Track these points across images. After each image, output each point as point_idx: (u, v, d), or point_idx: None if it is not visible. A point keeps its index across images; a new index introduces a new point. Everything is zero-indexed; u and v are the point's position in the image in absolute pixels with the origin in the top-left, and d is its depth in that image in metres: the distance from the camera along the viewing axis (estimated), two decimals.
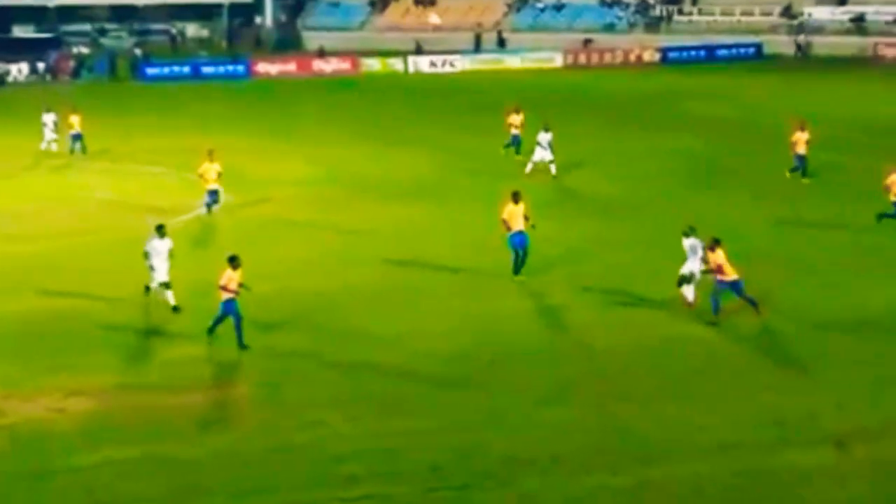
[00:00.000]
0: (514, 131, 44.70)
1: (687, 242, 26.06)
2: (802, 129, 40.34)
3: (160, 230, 26.96)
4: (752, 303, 25.23)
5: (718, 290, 25.13)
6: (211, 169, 35.84)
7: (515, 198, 28.94)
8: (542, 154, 41.31)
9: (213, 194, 35.86)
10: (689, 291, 26.03)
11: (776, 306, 26.27)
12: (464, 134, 50.77)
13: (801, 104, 58.00)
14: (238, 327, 23.98)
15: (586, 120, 54.02)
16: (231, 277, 24.09)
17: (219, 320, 24.20)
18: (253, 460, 19.38)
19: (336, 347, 24.34)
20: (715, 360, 23.50)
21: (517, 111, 45.22)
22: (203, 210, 35.93)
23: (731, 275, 25.01)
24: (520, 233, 28.69)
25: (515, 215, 28.76)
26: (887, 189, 33.08)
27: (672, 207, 36.22)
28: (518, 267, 28.77)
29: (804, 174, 40.03)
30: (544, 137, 41.38)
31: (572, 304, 26.98)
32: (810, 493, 18.10)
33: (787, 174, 40.17)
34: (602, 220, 34.90)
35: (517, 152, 44.12)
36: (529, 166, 41.50)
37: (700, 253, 25.78)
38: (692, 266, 25.93)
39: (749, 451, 19.37)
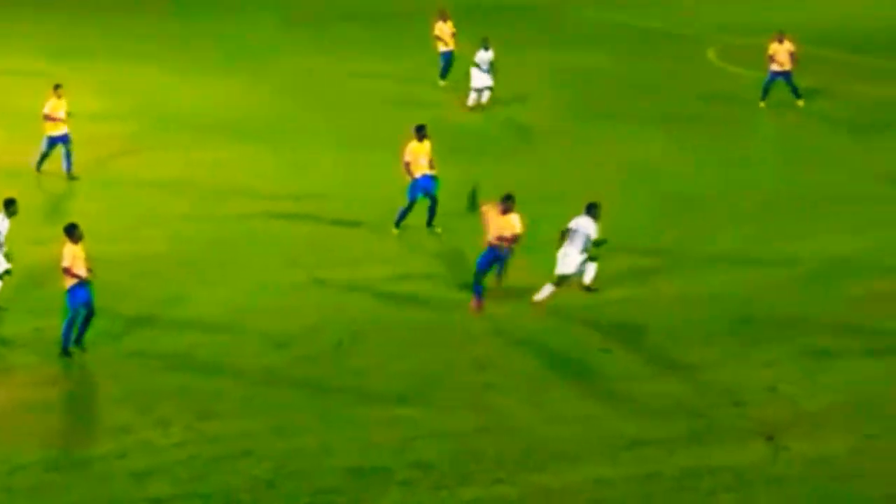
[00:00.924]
0: (442, 48, 43.11)
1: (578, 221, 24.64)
2: (781, 41, 40.46)
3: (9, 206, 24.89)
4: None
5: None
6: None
7: (420, 133, 28.54)
8: (481, 79, 40.38)
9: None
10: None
11: (691, 264, 26.39)
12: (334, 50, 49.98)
13: (735, 11, 58.52)
14: (83, 325, 22.58)
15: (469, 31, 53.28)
16: (75, 255, 22.40)
17: (70, 324, 22.61)
18: (40, 484, 18.59)
19: (139, 331, 23.68)
20: (618, 339, 23.35)
21: (444, 17, 43.21)
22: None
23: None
24: (425, 177, 28.37)
25: (419, 155, 28.37)
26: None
27: (576, 142, 36.25)
28: (430, 217, 28.73)
29: (763, 98, 40.65)
30: (484, 57, 40.36)
31: (445, 272, 26.59)
32: (737, 497, 17.95)
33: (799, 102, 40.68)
34: (492, 161, 34.52)
35: (442, 76, 42.99)
36: (473, 96, 40.45)
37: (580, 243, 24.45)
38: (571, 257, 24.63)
39: (661, 450, 19.21)
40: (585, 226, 24.34)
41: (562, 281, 24.49)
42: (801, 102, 40.36)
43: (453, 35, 43.02)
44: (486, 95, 40.34)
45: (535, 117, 39.72)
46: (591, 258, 24.57)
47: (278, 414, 20.50)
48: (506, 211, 24.22)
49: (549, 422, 20.20)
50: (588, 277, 24.80)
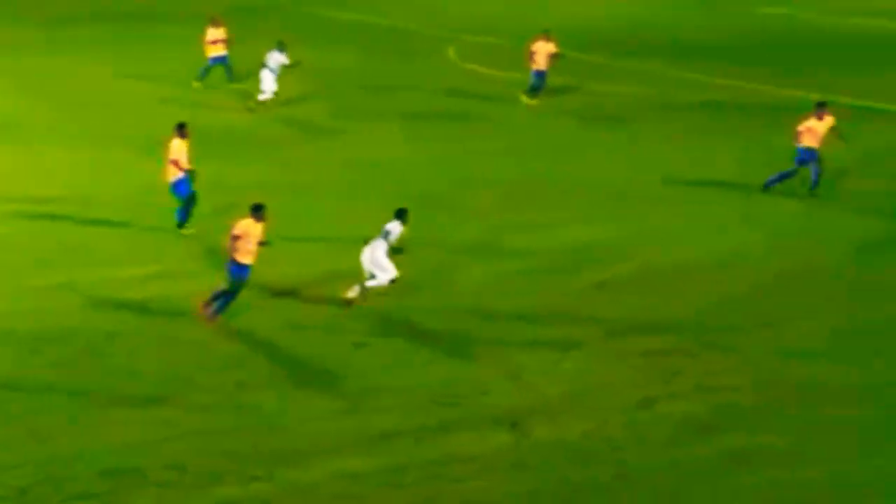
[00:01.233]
0: (213, 54, 41.96)
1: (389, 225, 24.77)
2: (547, 39, 40.93)
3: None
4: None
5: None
6: None
7: (181, 131, 27.96)
8: (270, 80, 39.78)
9: None
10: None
11: (435, 259, 26.47)
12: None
13: (474, 11, 59.08)
14: None
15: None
16: None
17: None
18: None
19: None
20: (371, 333, 23.32)
21: (216, 24, 42.08)
22: None
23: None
24: (186, 175, 27.85)
25: (183, 153, 27.86)
26: None
27: (322, 141, 36.11)
28: (184, 216, 28.07)
29: (530, 92, 41.09)
30: (276, 59, 39.78)
31: (203, 269, 26.20)
32: (482, 485, 18.08)
33: (523, 98, 41.10)
34: (239, 161, 34.17)
35: (229, 79, 42.23)
36: (264, 95, 40.03)
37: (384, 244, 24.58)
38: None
39: (411, 441, 19.28)
40: (392, 229, 24.53)
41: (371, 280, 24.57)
42: (531, 100, 40.94)
43: (226, 40, 42.24)
44: (262, 97, 40.04)
45: (284, 116, 39.48)
46: (384, 270, 24.41)
47: (33, 419, 19.85)
48: (259, 220, 23.73)
49: (302, 417, 20.05)
50: (370, 283, 24.56)
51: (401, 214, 24.76)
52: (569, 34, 53.01)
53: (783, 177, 31.57)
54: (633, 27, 55.66)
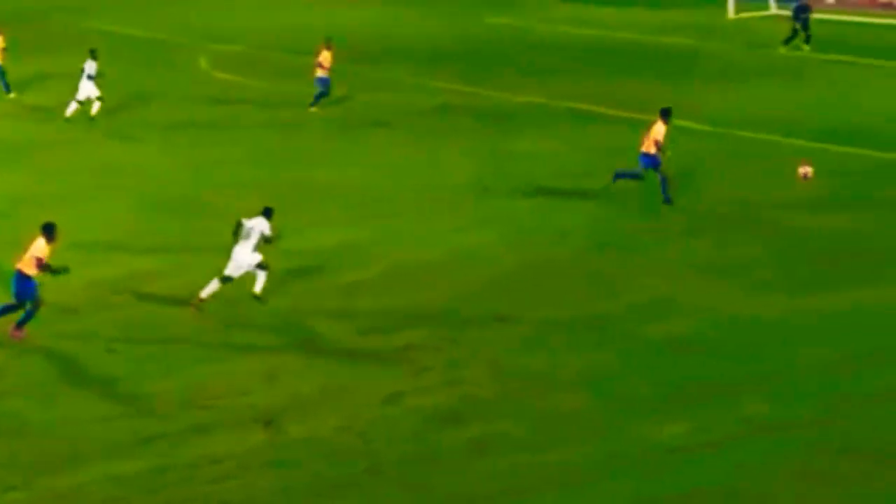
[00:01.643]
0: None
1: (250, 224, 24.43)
2: (329, 48, 40.96)
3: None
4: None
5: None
6: None
7: None
8: (87, 89, 38.78)
9: None
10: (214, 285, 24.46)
11: (199, 264, 26.30)
12: None
13: (222, 22, 58.64)
14: None
15: None
16: None
17: None
18: None
19: None
20: (124, 339, 23.07)
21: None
22: None
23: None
24: None
25: None
26: None
27: (76, 150, 35.59)
28: None
29: (317, 99, 41.14)
30: (91, 67, 38.81)
31: None
32: (239, 483, 18.07)
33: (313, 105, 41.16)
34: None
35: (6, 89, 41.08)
36: (73, 106, 38.89)
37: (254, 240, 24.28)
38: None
39: (170, 443, 19.17)
40: (260, 225, 24.31)
41: (228, 279, 24.29)
42: (315, 109, 41.15)
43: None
44: (96, 106, 39.08)
45: (39, 123, 38.74)
46: (261, 266, 24.33)
47: None
48: (50, 240, 23.00)
49: (62, 424, 19.77)
50: (258, 286, 24.43)
51: (267, 213, 24.55)
52: (313, 43, 53.27)
53: (633, 175, 31.50)
54: (371, 36, 55.96)
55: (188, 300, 24.33)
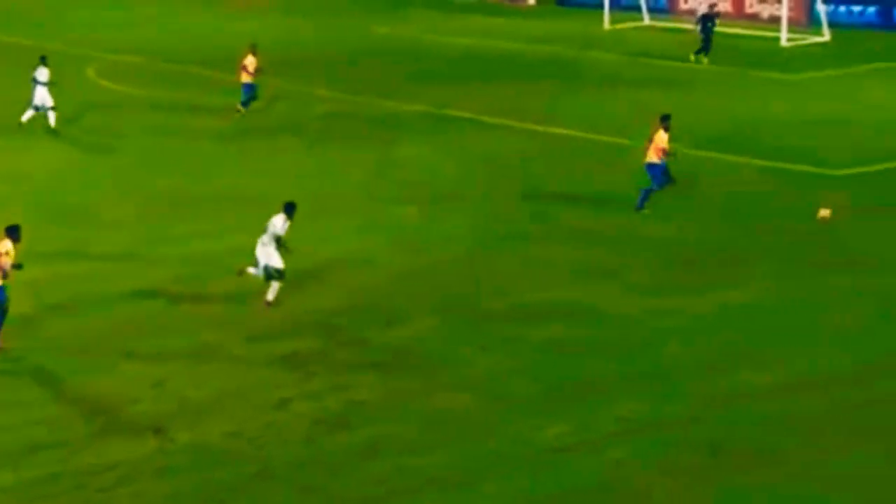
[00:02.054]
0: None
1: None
2: (254, 53, 40.83)
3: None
4: None
5: None
6: None
7: None
8: (41, 97, 38.08)
9: None
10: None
11: (85, 268, 25.96)
12: None
13: (108, 33, 57.96)
14: None
15: None
16: None
17: None
18: None
19: None
20: (12, 346, 22.59)
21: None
22: None
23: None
24: None
25: None
26: None
27: None
28: None
29: (244, 104, 41.22)
30: (43, 74, 38.07)
31: None
32: (130, 491, 17.79)
33: (240, 109, 41.13)
34: None
35: None
36: (29, 112, 38.24)
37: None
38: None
39: (62, 452, 18.84)
40: (278, 224, 24.56)
41: (242, 273, 24.74)
42: (240, 110, 41.33)
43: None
44: (51, 117, 38.43)
45: None
46: (278, 273, 24.40)
47: None
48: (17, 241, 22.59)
49: None
50: (271, 296, 24.51)
51: (288, 209, 24.74)
52: (197, 53, 52.94)
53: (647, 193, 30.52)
54: (262, 46, 55.60)
55: (70, 308, 24.02)
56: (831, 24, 54.39)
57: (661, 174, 30.31)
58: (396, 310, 24.62)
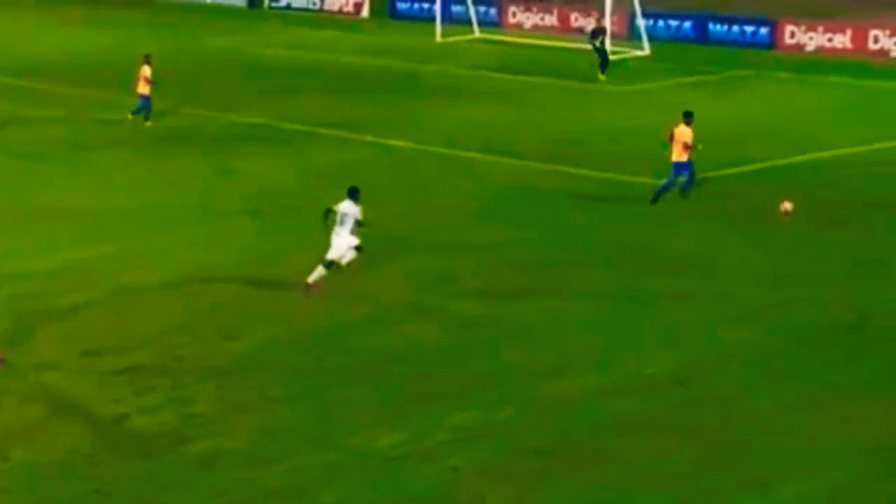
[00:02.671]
0: None
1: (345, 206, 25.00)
2: (149, 64, 39.91)
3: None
4: None
5: None
6: None
7: None
8: None
9: None
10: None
11: None
12: None
13: None
14: None
15: None
16: None
17: None
18: None
19: None
20: None
21: None
22: None
23: None
24: None
25: None
26: None
27: None
28: None
29: (143, 114, 40.62)
30: None
31: None
32: None
33: (129, 115, 40.71)
34: None
35: None
36: None
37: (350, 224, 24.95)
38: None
39: None
40: (351, 209, 24.87)
41: (331, 265, 25.00)
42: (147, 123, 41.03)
43: None
44: None
45: None
46: (358, 248, 25.09)
47: None
48: None
49: None
50: (346, 259, 25.22)
51: (353, 194, 25.10)
52: (36, 66, 51.72)
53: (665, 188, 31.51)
54: (98, 59, 54.63)
55: None
56: (651, 38, 55.15)
57: (688, 170, 31.16)
58: (234, 322, 24.14)
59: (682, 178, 31.65)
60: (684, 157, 31.07)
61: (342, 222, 25.07)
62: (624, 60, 53.34)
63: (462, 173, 35.66)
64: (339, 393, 20.97)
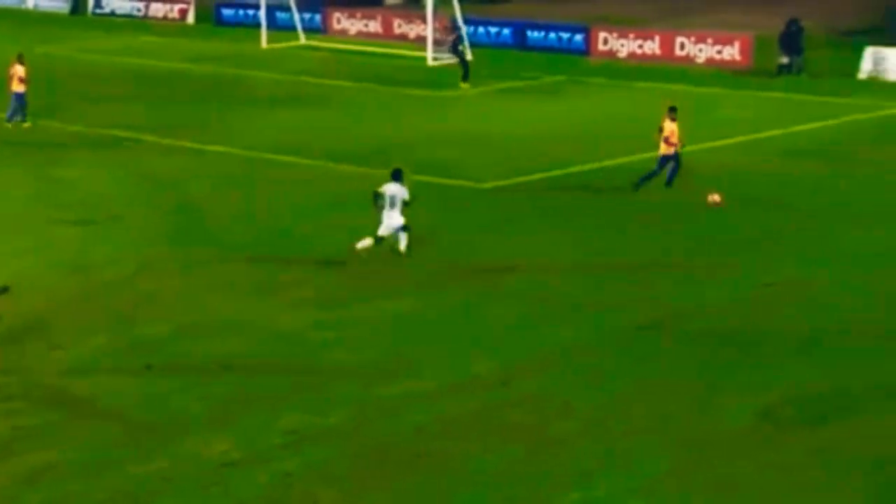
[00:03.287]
0: None
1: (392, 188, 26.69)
2: (21, 62, 38.68)
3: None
4: None
5: None
6: None
7: None
8: None
9: None
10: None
11: None
12: None
13: None
14: None
15: None
16: None
17: None
18: None
19: None
20: None
21: None
22: None
23: None
24: None
25: None
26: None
27: None
28: None
29: (24, 118, 39.95)
30: None
31: None
32: None
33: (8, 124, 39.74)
34: None
35: None
36: None
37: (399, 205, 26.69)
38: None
39: None
40: (399, 190, 26.64)
41: (381, 240, 26.82)
42: (26, 124, 40.58)
43: None
44: None
45: None
46: (405, 227, 26.85)
47: None
48: None
49: None
50: (403, 245, 27.03)
51: (397, 175, 26.94)
52: None
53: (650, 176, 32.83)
54: None
55: None
56: (472, 44, 55.64)
57: (675, 161, 32.52)
58: (60, 333, 23.64)
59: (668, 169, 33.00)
60: (671, 151, 32.54)
61: (392, 204, 26.68)
62: (446, 66, 53.68)
63: (290, 179, 35.50)
64: (168, 401, 20.70)
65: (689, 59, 54.12)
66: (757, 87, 48.64)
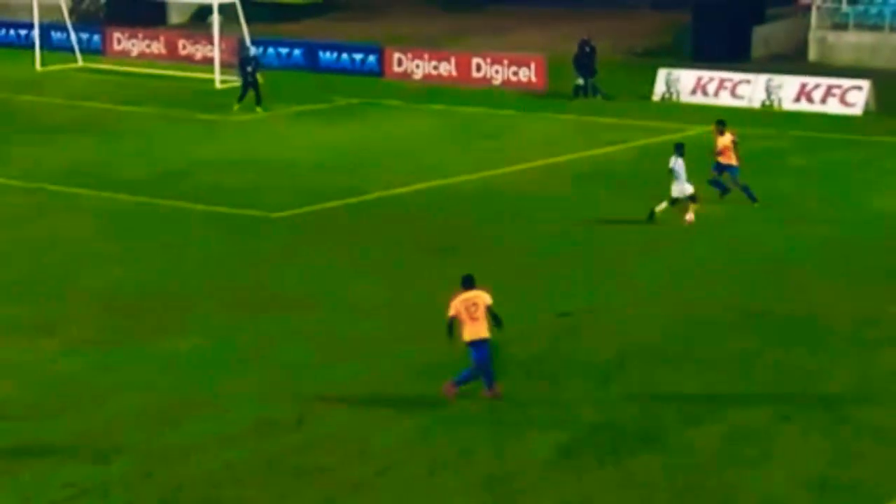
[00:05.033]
0: None
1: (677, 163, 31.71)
2: None
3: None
4: None
5: None
6: None
7: None
8: None
9: None
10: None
11: None
12: None
13: None
14: None
15: None
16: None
17: None
18: None
19: None
20: None
21: None
22: None
23: None
24: None
25: None
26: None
27: None
28: None
29: None
30: None
31: None
32: None
33: None
34: None
35: None
36: None
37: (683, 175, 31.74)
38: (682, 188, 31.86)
39: None
40: (681, 164, 31.79)
41: (675, 200, 32.01)
42: None
43: None
44: None
45: None
46: (693, 197, 32.06)
47: None
48: None
49: None
50: (689, 216, 32.07)
51: (679, 149, 32.05)
52: None
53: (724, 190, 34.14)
54: None
55: None
56: (262, 66, 55.14)
57: (736, 169, 34.02)
58: None
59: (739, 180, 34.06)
60: (733, 161, 33.78)
61: (678, 176, 31.68)
62: (235, 89, 53.14)
63: (69, 210, 34.64)
64: None
65: (485, 81, 54.67)
66: (553, 110, 49.35)
